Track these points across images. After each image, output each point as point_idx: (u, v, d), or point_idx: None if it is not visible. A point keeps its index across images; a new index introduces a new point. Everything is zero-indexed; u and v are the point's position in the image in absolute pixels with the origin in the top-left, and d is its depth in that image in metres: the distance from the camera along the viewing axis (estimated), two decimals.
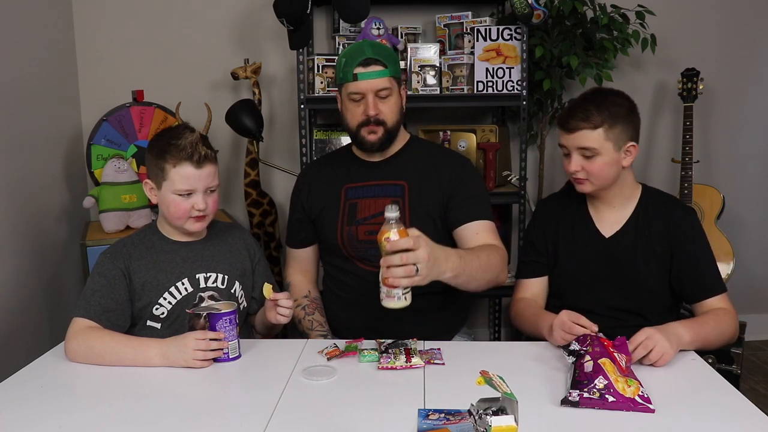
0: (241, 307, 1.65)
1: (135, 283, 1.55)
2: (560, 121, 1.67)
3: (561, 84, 2.75)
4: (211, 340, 1.41)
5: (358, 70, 1.66)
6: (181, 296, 1.57)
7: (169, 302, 1.56)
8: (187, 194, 1.54)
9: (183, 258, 1.60)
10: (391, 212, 1.31)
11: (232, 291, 1.63)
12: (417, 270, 1.32)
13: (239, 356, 1.46)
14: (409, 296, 1.34)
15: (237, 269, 1.66)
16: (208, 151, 1.55)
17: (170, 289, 1.57)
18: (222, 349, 1.43)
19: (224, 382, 1.37)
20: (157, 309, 1.56)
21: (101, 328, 1.49)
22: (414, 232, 1.34)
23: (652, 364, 1.39)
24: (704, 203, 2.83)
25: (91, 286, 1.53)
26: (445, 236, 1.75)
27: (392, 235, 1.30)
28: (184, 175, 1.52)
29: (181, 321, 1.55)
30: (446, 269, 1.42)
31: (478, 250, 1.63)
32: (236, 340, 1.45)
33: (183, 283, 1.58)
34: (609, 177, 1.65)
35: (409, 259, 1.30)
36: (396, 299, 1.33)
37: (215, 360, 1.43)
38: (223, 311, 1.44)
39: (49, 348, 1.54)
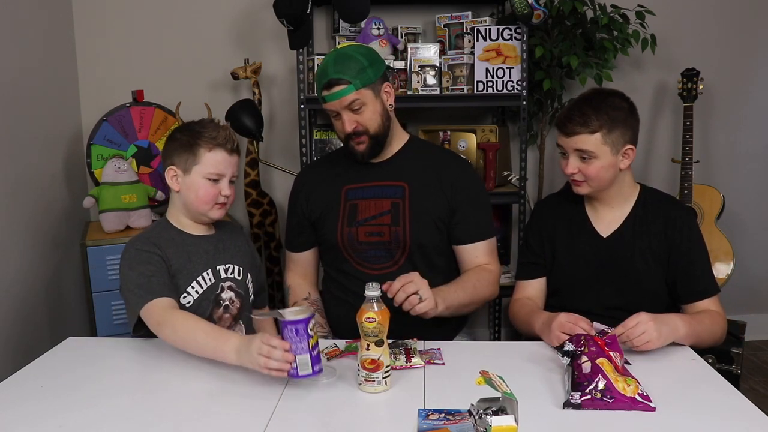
0: (250, 299, 1.71)
1: (170, 270, 1.56)
2: (558, 123, 1.67)
3: (561, 84, 2.75)
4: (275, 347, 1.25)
5: (324, 92, 1.68)
6: (206, 286, 1.60)
7: (196, 291, 1.59)
8: (216, 179, 1.58)
9: (205, 250, 1.63)
10: (372, 290, 1.28)
11: (247, 282, 1.68)
12: (420, 298, 1.46)
13: (314, 373, 1.26)
14: (390, 380, 1.30)
15: (248, 262, 1.71)
16: (237, 141, 1.63)
17: (197, 279, 1.59)
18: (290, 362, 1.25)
19: (224, 382, 1.37)
20: (184, 298, 1.58)
21: (179, 310, 1.47)
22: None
23: (634, 347, 1.42)
24: (704, 203, 2.83)
25: (143, 275, 1.49)
26: (446, 239, 1.77)
27: (372, 315, 1.26)
28: (217, 159, 1.57)
29: (202, 311, 1.58)
30: (439, 301, 1.54)
31: (464, 279, 1.73)
32: (307, 354, 1.24)
33: (208, 274, 1.61)
34: (606, 180, 1.65)
35: (408, 289, 1.44)
36: (376, 383, 1.28)
37: (290, 375, 1.26)
38: (287, 319, 1.25)
39: (49, 348, 1.54)
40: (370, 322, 1.26)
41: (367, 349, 1.27)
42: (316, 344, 1.27)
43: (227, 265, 1.64)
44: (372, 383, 1.29)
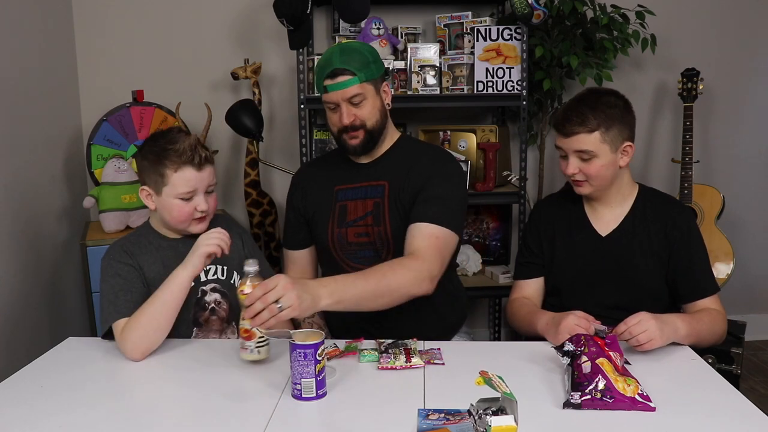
0: None
1: (145, 278, 1.55)
2: (556, 125, 1.67)
3: (561, 84, 2.75)
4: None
5: (327, 82, 1.65)
6: None
7: None
8: (189, 197, 1.54)
9: (183, 254, 1.59)
10: (250, 266, 1.36)
11: (232, 282, 1.64)
12: (281, 307, 1.26)
13: (317, 397, 1.26)
14: (263, 350, 1.39)
15: (234, 259, 1.65)
16: (206, 152, 1.56)
17: None
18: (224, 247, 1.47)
19: (224, 383, 1.37)
20: None
21: None
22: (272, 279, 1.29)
23: (637, 346, 1.42)
24: (704, 203, 2.83)
25: (112, 290, 1.51)
26: None
27: (246, 289, 1.33)
28: (186, 178, 1.52)
29: (185, 316, 1.56)
30: (322, 294, 1.35)
31: (373, 268, 1.51)
32: (312, 379, 1.24)
33: None
34: (607, 178, 1.66)
35: (268, 299, 1.25)
36: (249, 351, 1.38)
37: (293, 396, 1.26)
38: (296, 342, 1.25)
39: (49, 348, 1.54)
40: (243, 294, 1.32)
41: (243, 320, 1.33)
42: (323, 369, 1.27)
43: (208, 267, 1.60)
44: (246, 351, 1.38)
